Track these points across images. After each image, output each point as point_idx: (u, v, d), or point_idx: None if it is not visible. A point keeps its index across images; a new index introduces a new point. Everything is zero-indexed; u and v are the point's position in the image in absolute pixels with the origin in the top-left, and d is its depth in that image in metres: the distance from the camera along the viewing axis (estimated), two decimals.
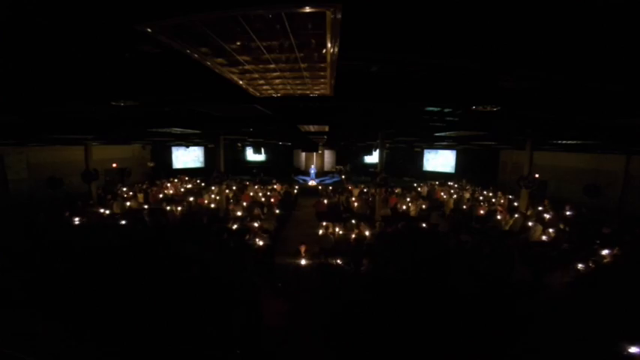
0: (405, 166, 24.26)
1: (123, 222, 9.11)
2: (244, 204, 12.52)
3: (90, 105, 4.39)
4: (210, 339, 4.37)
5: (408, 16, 1.67)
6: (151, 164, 22.18)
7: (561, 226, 9.34)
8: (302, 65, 2.37)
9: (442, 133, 8.84)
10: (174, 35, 1.77)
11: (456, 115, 5.06)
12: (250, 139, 15.20)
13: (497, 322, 4.65)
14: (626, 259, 6.51)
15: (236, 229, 8.62)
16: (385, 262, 6.43)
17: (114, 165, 18.53)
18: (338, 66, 2.38)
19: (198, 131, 9.41)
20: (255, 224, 9.00)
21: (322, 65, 2.36)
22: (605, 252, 6.81)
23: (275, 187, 17.11)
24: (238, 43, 1.93)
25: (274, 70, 2.52)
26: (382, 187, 10.67)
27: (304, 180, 22.60)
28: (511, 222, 10.02)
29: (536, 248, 8.05)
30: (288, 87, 3.12)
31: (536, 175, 12.14)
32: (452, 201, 13.87)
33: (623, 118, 4.42)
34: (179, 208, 11.51)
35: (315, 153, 23.05)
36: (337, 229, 8.79)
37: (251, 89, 3.17)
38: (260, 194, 14.90)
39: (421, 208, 12.19)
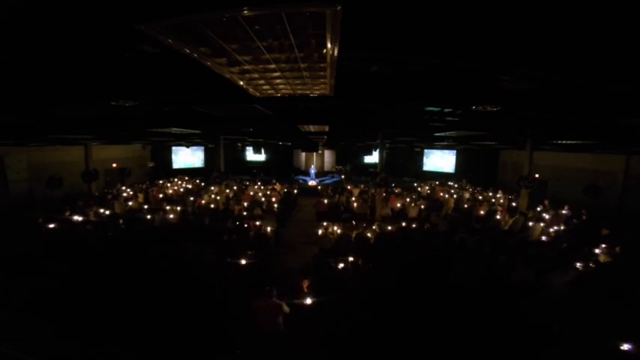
0: (405, 166, 24.27)
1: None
2: (244, 204, 12.53)
3: (90, 105, 4.39)
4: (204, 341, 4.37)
5: (408, 16, 1.67)
6: (151, 164, 22.18)
7: (561, 226, 9.35)
8: (302, 65, 2.37)
9: (442, 133, 8.84)
10: (174, 35, 1.77)
11: (456, 115, 5.06)
12: (250, 139, 15.21)
13: (497, 322, 4.65)
14: (626, 259, 6.51)
15: (236, 227, 8.60)
16: (386, 262, 6.43)
17: (114, 165, 18.53)
18: (338, 66, 2.38)
19: (198, 131, 9.42)
20: (257, 223, 9.01)
21: (322, 65, 2.36)
22: (598, 250, 6.83)
23: (275, 187, 17.11)
24: (238, 43, 1.93)
25: (274, 70, 2.52)
26: (382, 187, 10.67)
27: (304, 180, 22.59)
28: (511, 222, 10.02)
29: (536, 248, 8.05)
30: (288, 87, 3.12)
31: (536, 175, 12.15)
32: (452, 201, 13.87)
33: (623, 118, 4.42)
34: (177, 209, 11.51)
35: (315, 153, 23.04)
36: (337, 229, 8.79)
37: (251, 89, 3.17)
38: (260, 194, 14.90)
39: (421, 208, 12.19)
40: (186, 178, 20.49)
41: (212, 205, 12.36)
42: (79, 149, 12.72)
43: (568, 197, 13.73)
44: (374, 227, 8.71)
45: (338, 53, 2.06)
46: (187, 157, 24.36)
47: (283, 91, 3.28)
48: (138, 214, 10.60)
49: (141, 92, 3.63)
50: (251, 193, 14.80)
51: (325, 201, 13.19)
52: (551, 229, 9.06)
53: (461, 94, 3.63)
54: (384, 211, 10.98)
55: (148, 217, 10.11)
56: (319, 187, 19.10)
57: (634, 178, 12.69)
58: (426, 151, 23.86)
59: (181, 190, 16.89)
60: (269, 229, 8.86)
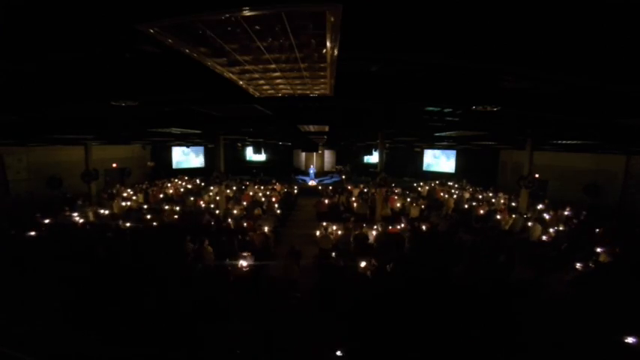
0: (405, 166, 24.27)
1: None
2: (244, 203, 12.53)
3: (90, 105, 4.39)
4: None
5: (408, 16, 1.67)
6: (151, 164, 22.18)
7: (561, 226, 9.35)
8: (302, 65, 2.37)
9: (442, 133, 8.84)
10: (174, 35, 1.77)
11: (456, 115, 5.06)
12: (250, 139, 15.20)
13: (497, 321, 4.65)
14: (625, 259, 6.51)
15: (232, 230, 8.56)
16: (386, 261, 6.43)
17: (114, 165, 18.53)
18: (338, 66, 2.38)
19: (198, 131, 9.41)
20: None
21: (322, 65, 2.36)
22: (599, 249, 6.84)
23: (275, 187, 17.11)
24: (238, 43, 1.93)
25: (274, 70, 2.52)
26: (382, 187, 10.66)
27: (304, 180, 22.59)
28: (511, 222, 10.02)
29: (535, 248, 8.06)
30: (289, 87, 3.12)
31: (536, 175, 12.14)
32: (452, 201, 13.87)
33: (623, 118, 4.42)
34: (177, 209, 11.50)
35: (315, 153, 23.03)
36: (336, 229, 8.79)
37: (251, 89, 3.17)
38: (260, 194, 14.90)
39: (421, 208, 12.19)
40: (186, 178, 20.50)
41: (212, 206, 12.36)
42: (79, 149, 12.72)
43: (568, 197, 13.74)
44: (376, 227, 8.70)
45: (338, 53, 2.06)
46: (187, 157, 24.36)
47: (283, 91, 3.28)
48: (137, 214, 10.61)
49: (141, 92, 3.63)
50: (251, 194, 14.80)
51: (326, 201, 13.20)
52: (552, 229, 9.06)
53: (461, 94, 3.63)
54: (384, 211, 10.98)
55: (148, 217, 10.13)
56: (319, 187, 19.11)
57: (634, 178, 12.68)
58: (426, 151, 23.86)
59: (181, 190, 16.89)
60: (267, 229, 8.86)
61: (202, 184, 19.18)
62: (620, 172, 13.11)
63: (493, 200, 14.37)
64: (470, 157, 21.28)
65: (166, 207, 11.77)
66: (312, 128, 8.59)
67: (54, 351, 4.07)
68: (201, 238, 7.09)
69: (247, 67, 2.41)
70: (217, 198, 12.34)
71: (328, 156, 26.38)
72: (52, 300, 5.10)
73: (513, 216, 10.20)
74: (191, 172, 22.50)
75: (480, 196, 15.29)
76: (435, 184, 18.70)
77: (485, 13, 1.60)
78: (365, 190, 15.84)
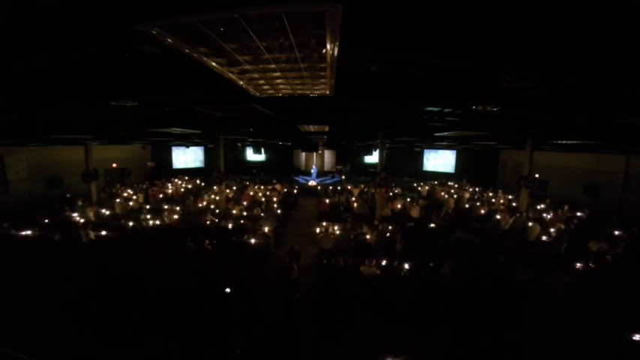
0: (405, 166, 24.26)
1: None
2: (244, 203, 12.52)
3: (90, 105, 4.38)
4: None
5: (408, 16, 1.67)
6: (151, 164, 22.17)
7: (561, 226, 9.35)
8: (302, 65, 2.37)
9: (442, 133, 8.83)
10: (174, 35, 1.77)
11: (456, 115, 5.05)
12: (250, 139, 15.20)
13: (496, 321, 4.65)
14: (625, 258, 6.51)
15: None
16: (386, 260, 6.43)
17: (114, 165, 18.52)
18: (338, 66, 2.38)
19: (198, 131, 9.41)
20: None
21: (322, 65, 2.36)
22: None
23: (275, 187, 17.11)
24: (238, 43, 1.93)
25: (274, 70, 2.52)
26: (382, 187, 10.66)
27: (305, 180, 22.58)
28: (511, 222, 10.02)
29: (536, 248, 8.06)
30: (289, 87, 3.12)
31: (536, 175, 12.14)
32: (452, 201, 13.86)
33: (623, 118, 4.41)
34: (177, 209, 11.48)
35: (315, 153, 23.02)
36: (337, 230, 8.79)
37: (251, 89, 3.17)
38: (260, 194, 14.90)
39: (421, 208, 12.19)
40: (186, 178, 20.49)
41: (212, 206, 12.34)
42: (79, 149, 12.72)
43: (568, 197, 13.73)
44: (379, 227, 8.70)
45: (338, 53, 2.06)
46: (187, 157, 24.35)
47: (283, 91, 3.27)
48: (136, 215, 10.61)
49: (141, 92, 3.63)
50: (251, 194, 14.80)
51: (327, 201, 13.21)
52: (552, 229, 9.06)
53: (461, 94, 3.63)
54: (384, 211, 10.98)
55: (148, 217, 10.12)
56: (319, 187, 19.11)
57: (634, 178, 12.68)
58: (425, 151, 23.85)
59: (181, 190, 16.89)
60: (267, 229, 8.86)
61: (202, 184, 19.18)
62: (620, 172, 13.10)
63: (493, 200, 14.37)
64: (470, 157, 21.26)
65: (166, 207, 11.76)
66: (312, 128, 8.59)
67: (54, 351, 4.07)
68: (201, 238, 7.10)
69: (247, 67, 2.40)
70: (217, 198, 12.34)
71: (328, 156, 26.37)
72: (52, 300, 5.10)
73: (516, 217, 10.19)
74: (191, 172, 22.49)
75: (480, 196, 15.29)
76: (435, 184, 18.69)
77: (485, 13, 1.60)
78: (365, 190, 15.85)
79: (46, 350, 4.08)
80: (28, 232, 7.97)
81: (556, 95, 3.40)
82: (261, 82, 2.91)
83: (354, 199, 13.69)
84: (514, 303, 5.16)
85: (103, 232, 8.51)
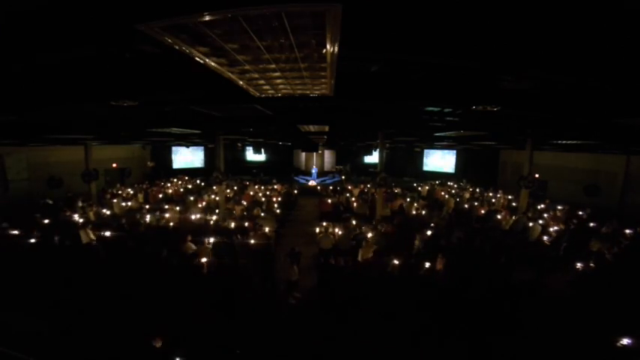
0: (405, 166, 24.27)
1: None
2: (244, 203, 12.52)
3: (90, 105, 4.38)
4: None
5: (408, 16, 1.67)
6: (151, 164, 22.17)
7: (561, 226, 9.35)
8: (302, 65, 2.37)
9: (442, 133, 8.84)
10: (174, 35, 1.77)
11: (456, 115, 5.05)
12: (250, 139, 15.20)
13: (496, 320, 4.65)
14: (625, 258, 6.51)
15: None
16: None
17: (114, 165, 18.53)
18: (338, 66, 2.37)
19: (198, 131, 9.41)
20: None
21: (322, 65, 2.36)
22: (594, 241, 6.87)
23: (275, 187, 17.11)
24: (238, 43, 1.93)
25: (274, 70, 2.52)
26: (382, 187, 10.66)
27: (305, 180, 22.59)
28: (511, 222, 10.02)
29: (535, 248, 8.05)
30: (289, 87, 3.12)
31: (536, 175, 12.15)
32: (452, 201, 13.87)
33: (623, 118, 4.41)
34: (177, 209, 11.48)
35: (315, 153, 23.04)
36: (337, 230, 8.78)
37: (251, 89, 3.17)
38: (260, 194, 14.90)
39: (421, 208, 12.20)
40: (186, 178, 20.49)
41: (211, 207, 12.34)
42: (79, 149, 12.72)
43: (568, 197, 13.74)
44: (379, 227, 8.69)
45: (338, 53, 2.06)
46: (187, 157, 24.36)
47: (283, 91, 3.27)
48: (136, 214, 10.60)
49: (141, 92, 3.63)
50: (251, 193, 14.80)
51: (329, 201, 13.22)
52: (552, 229, 9.06)
53: (461, 94, 3.63)
54: (384, 211, 10.98)
55: (148, 217, 10.11)
56: (319, 188, 19.12)
57: (634, 178, 12.68)
58: (425, 151, 23.85)
59: (181, 190, 16.89)
60: (268, 229, 8.86)
61: (202, 184, 19.18)
62: (620, 172, 13.10)
63: (493, 200, 14.38)
64: (470, 157, 21.28)
65: (166, 207, 11.76)
66: (312, 128, 8.59)
67: (54, 351, 4.07)
68: (201, 238, 7.10)
69: (247, 67, 2.40)
70: (217, 198, 12.34)
71: (328, 156, 26.39)
72: (51, 300, 5.10)
73: (514, 217, 10.19)
74: (191, 172, 22.50)
75: (480, 196, 15.29)
76: (435, 184, 18.70)
77: (485, 12, 1.60)
78: (365, 190, 15.85)
79: (46, 350, 4.08)
80: (27, 233, 7.94)
81: (556, 95, 3.40)
82: (261, 82, 2.91)
83: (354, 199, 13.70)
84: (514, 303, 5.16)
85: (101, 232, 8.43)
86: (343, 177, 22.46)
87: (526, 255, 7.25)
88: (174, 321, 4.65)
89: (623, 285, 5.35)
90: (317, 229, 9.01)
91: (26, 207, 11.88)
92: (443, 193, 15.79)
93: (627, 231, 8.47)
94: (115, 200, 12.56)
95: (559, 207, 11.84)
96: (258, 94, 3.37)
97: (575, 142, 9.11)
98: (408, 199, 13.73)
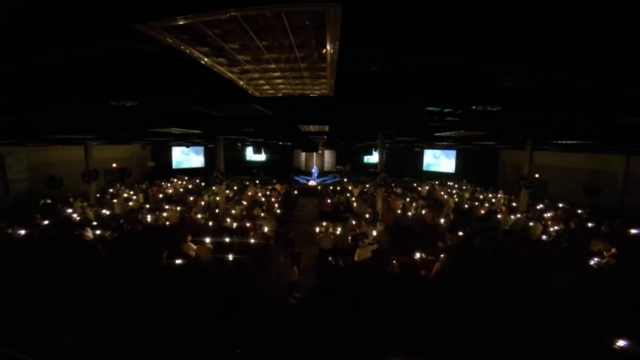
0: (405, 166, 24.28)
1: None
2: (244, 203, 12.52)
3: (90, 105, 4.38)
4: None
5: (408, 16, 1.67)
6: (151, 164, 22.17)
7: (561, 226, 9.35)
8: (302, 65, 2.37)
9: (442, 133, 8.83)
10: (173, 35, 1.77)
11: (456, 115, 5.05)
12: (250, 139, 15.20)
13: (496, 320, 4.65)
14: (625, 258, 6.51)
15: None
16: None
17: (114, 165, 18.52)
18: (338, 66, 2.37)
19: (198, 131, 9.41)
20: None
21: (322, 65, 2.36)
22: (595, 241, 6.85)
23: (275, 187, 17.12)
24: (238, 43, 1.93)
25: (274, 70, 2.52)
26: (382, 187, 10.66)
27: (305, 180, 22.59)
28: (511, 222, 10.02)
29: (535, 248, 8.05)
30: (289, 87, 3.12)
31: (536, 175, 12.15)
32: (452, 201, 13.87)
33: (623, 118, 4.41)
34: (177, 209, 11.48)
35: (315, 153, 23.04)
36: (338, 230, 8.78)
37: (251, 89, 3.17)
38: (260, 194, 14.90)
39: (421, 208, 12.20)
40: (186, 178, 20.50)
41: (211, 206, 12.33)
42: (79, 149, 12.72)
43: (568, 197, 13.74)
44: (379, 228, 8.69)
45: (338, 53, 2.06)
46: (187, 157, 24.35)
47: (283, 91, 3.27)
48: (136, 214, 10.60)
49: (141, 92, 3.63)
50: (251, 194, 14.80)
51: (329, 201, 13.22)
52: (552, 229, 9.06)
53: (461, 94, 3.63)
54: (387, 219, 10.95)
55: (148, 217, 10.12)
56: (319, 188, 19.12)
57: (634, 178, 12.68)
58: (425, 151, 23.86)
59: (181, 190, 16.90)
60: (267, 229, 8.86)
61: (202, 184, 19.18)
62: (620, 172, 13.10)
63: (493, 200, 14.38)
64: (470, 157, 21.28)
65: (166, 207, 11.76)
66: (312, 128, 8.59)
67: (54, 351, 4.07)
68: (201, 238, 7.10)
69: (247, 67, 2.40)
70: (217, 198, 12.34)
71: (328, 156, 26.39)
72: (52, 300, 5.10)
73: (517, 216, 10.19)
74: (191, 172, 22.50)
75: (481, 196, 15.29)
76: (435, 184, 18.70)
77: (486, 12, 1.60)
78: (365, 189, 15.85)
79: (46, 350, 4.08)
80: (25, 232, 7.95)
81: (556, 95, 3.39)
82: (261, 82, 2.91)
83: (354, 199, 13.70)
84: (513, 303, 5.16)
85: (98, 232, 8.39)
86: (344, 177, 22.45)
87: (526, 255, 7.26)
88: (174, 321, 4.65)
89: (623, 285, 5.35)
90: (317, 229, 9.02)
91: (26, 207, 11.89)
92: (442, 193, 15.80)
93: (633, 231, 8.37)
94: (115, 200, 12.57)
95: (560, 205, 11.91)
96: (258, 94, 3.37)
97: (575, 142, 9.11)
98: (407, 199, 13.74)
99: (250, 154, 24.86)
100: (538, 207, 12.16)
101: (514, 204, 12.63)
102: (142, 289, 5.40)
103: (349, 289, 5.81)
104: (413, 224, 10.24)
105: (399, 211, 11.20)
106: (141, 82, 3.23)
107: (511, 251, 7.21)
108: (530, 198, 11.14)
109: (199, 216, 10.30)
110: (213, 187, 14.31)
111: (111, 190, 14.95)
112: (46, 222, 9.22)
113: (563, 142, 9.45)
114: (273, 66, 2.39)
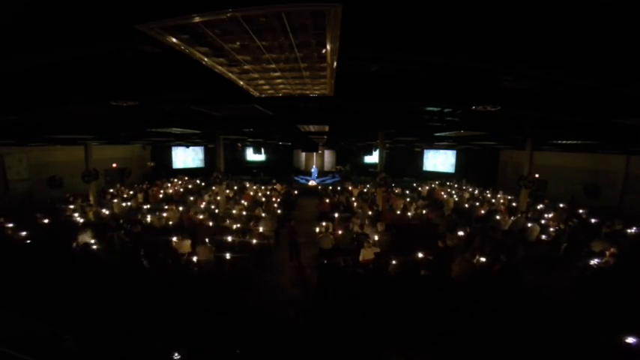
0: (405, 166, 24.28)
1: None
2: (244, 203, 12.53)
3: (90, 105, 4.38)
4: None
5: (408, 15, 1.67)
6: (151, 164, 22.18)
7: (561, 226, 9.35)
8: (302, 65, 2.37)
9: (442, 133, 8.84)
10: (173, 35, 1.77)
11: (456, 115, 5.05)
12: (250, 139, 15.20)
13: (496, 320, 4.65)
14: (625, 258, 6.51)
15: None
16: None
17: (114, 165, 18.53)
18: (338, 66, 2.38)
19: (198, 131, 9.41)
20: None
21: (322, 65, 2.36)
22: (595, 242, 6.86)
23: (275, 187, 17.12)
24: (238, 43, 1.93)
25: (274, 70, 2.52)
26: (382, 187, 10.67)
27: (305, 180, 22.59)
28: (510, 222, 10.02)
29: (535, 248, 8.06)
30: (289, 87, 3.12)
31: (536, 175, 12.15)
32: (452, 201, 13.87)
33: (623, 118, 4.41)
34: (179, 209, 11.49)
35: (315, 153, 23.04)
36: (337, 229, 8.78)
37: (251, 89, 3.17)
38: (260, 194, 14.91)
39: (421, 208, 12.20)
40: (186, 178, 20.50)
41: (212, 206, 12.32)
42: (79, 149, 12.72)
43: (568, 197, 13.74)
44: (379, 228, 8.68)
45: (338, 53, 2.06)
46: (187, 157, 24.36)
47: (283, 91, 3.27)
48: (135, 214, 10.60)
49: (141, 92, 3.63)
50: (251, 194, 14.81)
51: (327, 201, 13.23)
52: (552, 229, 9.05)
53: (461, 94, 3.63)
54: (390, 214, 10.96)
55: (148, 217, 10.12)
56: (319, 187, 19.12)
57: (634, 178, 12.68)
58: (425, 151, 23.86)
59: (181, 190, 16.90)
60: (262, 229, 8.86)
61: (202, 184, 19.18)
62: (620, 172, 13.10)
63: (493, 200, 14.38)
64: (470, 157, 21.28)
65: (166, 207, 11.76)
66: (312, 128, 8.59)
67: (54, 351, 4.07)
68: (202, 238, 7.10)
69: (247, 67, 2.40)
70: (218, 198, 12.34)
71: (328, 156, 26.38)
72: (52, 300, 5.10)
73: (517, 216, 10.19)
74: (191, 172, 22.50)
75: (480, 196, 15.30)
76: (435, 184, 18.70)
77: (486, 12, 1.60)
78: (365, 189, 15.85)
79: (46, 350, 4.08)
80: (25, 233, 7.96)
81: (556, 95, 3.40)
82: (261, 82, 2.91)
83: (354, 199, 13.70)
84: (513, 303, 5.16)
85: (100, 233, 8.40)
86: (344, 178, 22.44)
87: (525, 255, 7.26)
88: (174, 321, 4.65)
89: (624, 285, 5.35)
90: (317, 229, 9.02)
91: (26, 207, 11.89)
92: (442, 193, 15.80)
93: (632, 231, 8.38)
94: (115, 200, 12.57)
95: (560, 205, 11.91)
96: (258, 94, 3.37)
97: (575, 142, 9.11)
98: (407, 199, 13.75)
99: (250, 154, 24.86)
100: (538, 207, 12.16)
101: (514, 204, 12.64)
102: (141, 289, 5.40)
103: (351, 288, 5.81)
104: (415, 223, 10.25)
105: (398, 212, 11.22)
106: (141, 82, 3.23)
107: (508, 252, 7.21)
108: (530, 198, 11.15)
109: (200, 216, 10.31)
110: (214, 187, 14.32)
111: (111, 190, 14.95)
112: (46, 221, 9.23)
113: (563, 142, 9.45)
114: (273, 66, 2.39)
